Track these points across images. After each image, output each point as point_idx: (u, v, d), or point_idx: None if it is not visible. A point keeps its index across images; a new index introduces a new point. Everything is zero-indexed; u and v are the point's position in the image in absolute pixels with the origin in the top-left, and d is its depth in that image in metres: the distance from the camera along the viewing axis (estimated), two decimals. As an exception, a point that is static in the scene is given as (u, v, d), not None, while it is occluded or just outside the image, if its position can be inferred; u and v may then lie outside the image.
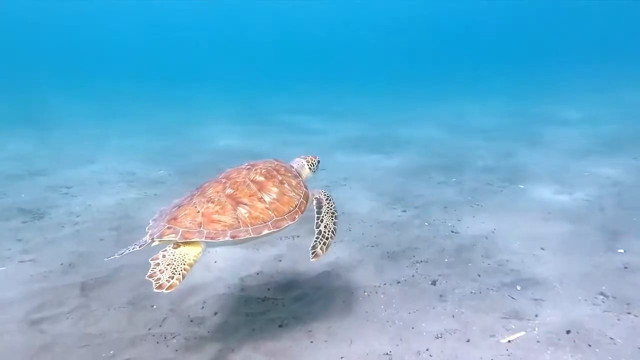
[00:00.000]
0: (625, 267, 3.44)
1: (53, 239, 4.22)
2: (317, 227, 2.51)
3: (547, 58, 30.12)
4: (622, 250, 3.73)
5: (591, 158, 6.90)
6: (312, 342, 2.64)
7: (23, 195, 5.60)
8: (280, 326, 2.80)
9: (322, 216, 2.55)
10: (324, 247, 2.43)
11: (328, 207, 2.60)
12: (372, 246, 4.00)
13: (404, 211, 4.91)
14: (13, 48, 32.20)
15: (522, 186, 5.67)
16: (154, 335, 2.72)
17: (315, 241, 2.44)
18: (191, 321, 2.88)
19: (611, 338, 2.58)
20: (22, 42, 36.28)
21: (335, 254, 3.80)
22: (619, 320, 2.77)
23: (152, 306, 3.05)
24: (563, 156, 7.14)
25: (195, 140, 9.25)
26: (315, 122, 11.36)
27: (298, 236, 4.20)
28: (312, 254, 2.39)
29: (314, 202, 2.63)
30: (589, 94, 14.48)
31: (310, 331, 2.74)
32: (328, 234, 2.49)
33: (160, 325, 2.84)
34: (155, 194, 5.64)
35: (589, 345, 2.53)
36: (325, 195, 2.68)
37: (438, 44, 40.94)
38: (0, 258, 3.81)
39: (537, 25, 44.67)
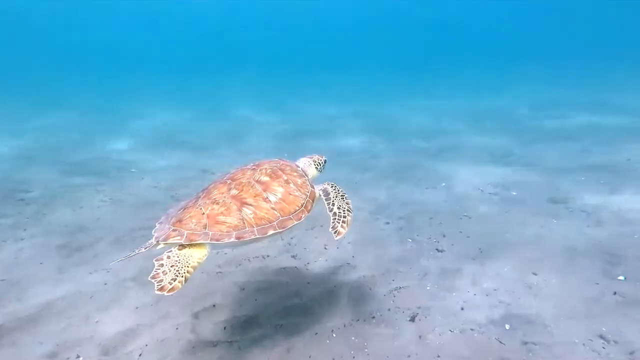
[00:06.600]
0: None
1: None
2: (331, 211, 2.48)
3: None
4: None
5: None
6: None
7: None
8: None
9: (332, 200, 2.53)
10: (344, 224, 2.40)
11: (336, 192, 2.58)
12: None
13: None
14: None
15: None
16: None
17: (333, 221, 2.41)
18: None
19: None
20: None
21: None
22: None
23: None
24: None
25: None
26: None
27: (268, 256, 4.02)
28: (334, 232, 2.35)
29: (321, 193, 2.61)
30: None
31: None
32: (344, 212, 2.46)
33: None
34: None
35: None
36: (331, 184, 2.66)
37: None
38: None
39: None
